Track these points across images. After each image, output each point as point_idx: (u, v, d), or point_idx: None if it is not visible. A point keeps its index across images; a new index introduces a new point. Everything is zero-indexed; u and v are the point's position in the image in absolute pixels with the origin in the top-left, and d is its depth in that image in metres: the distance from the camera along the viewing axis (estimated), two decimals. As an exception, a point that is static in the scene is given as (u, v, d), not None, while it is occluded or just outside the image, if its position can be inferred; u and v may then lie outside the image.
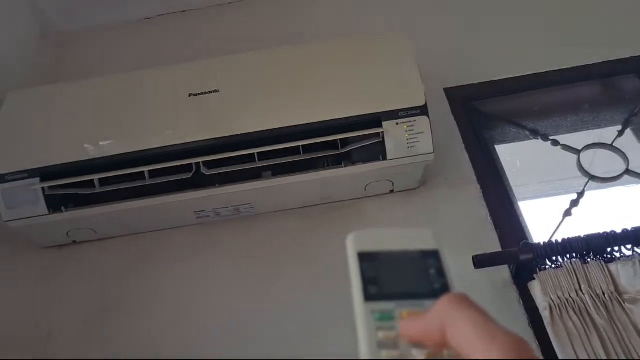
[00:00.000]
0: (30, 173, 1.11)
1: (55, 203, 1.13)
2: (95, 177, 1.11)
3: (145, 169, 1.11)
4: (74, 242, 1.24)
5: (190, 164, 1.12)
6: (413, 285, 0.38)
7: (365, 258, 0.40)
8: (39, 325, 1.14)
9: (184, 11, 1.75)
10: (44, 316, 1.15)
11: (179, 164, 1.11)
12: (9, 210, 1.12)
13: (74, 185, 1.12)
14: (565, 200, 1.26)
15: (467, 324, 0.33)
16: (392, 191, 1.24)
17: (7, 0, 1.51)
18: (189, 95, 1.15)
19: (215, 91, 1.15)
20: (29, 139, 1.16)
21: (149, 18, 1.75)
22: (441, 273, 0.39)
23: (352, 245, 0.41)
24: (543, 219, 1.32)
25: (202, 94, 1.15)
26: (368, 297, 0.38)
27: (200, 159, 1.11)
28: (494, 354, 0.31)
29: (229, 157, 1.11)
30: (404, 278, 0.39)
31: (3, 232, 1.26)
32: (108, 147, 1.12)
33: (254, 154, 1.11)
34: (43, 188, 1.11)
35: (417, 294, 0.37)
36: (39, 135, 1.16)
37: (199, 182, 1.14)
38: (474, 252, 1.03)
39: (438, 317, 0.34)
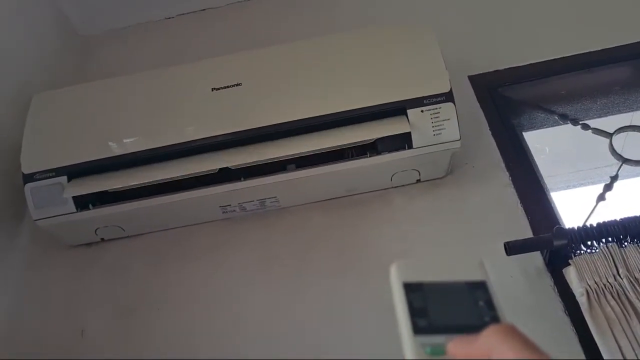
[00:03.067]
0: (58, 172, 1.12)
1: (82, 201, 1.14)
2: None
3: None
4: (102, 239, 1.25)
5: (215, 158, 1.11)
6: (463, 318, 0.38)
7: (411, 289, 0.40)
8: (73, 323, 1.15)
9: (203, 9, 1.75)
10: (76, 314, 1.16)
11: (203, 158, 1.11)
12: (38, 210, 1.13)
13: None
14: (598, 188, 1.23)
15: (511, 356, 0.33)
16: (418, 180, 1.22)
17: (31, 7, 1.53)
18: (212, 89, 1.14)
19: (237, 84, 1.14)
20: (55, 139, 1.17)
21: (170, 18, 1.76)
22: (490, 305, 0.39)
23: (397, 275, 0.41)
24: (576, 208, 1.29)
25: (225, 87, 1.14)
26: (417, 330, 0.38)
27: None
28: None
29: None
30: (453, 310, 0.39)
31: (33, 232, 1.29)
32: (133, 144, 1.13)
33: (278, 146, 1.10)
34: (71, 186, 1.12)
35: (468, 328, 0.36)
36: (65, 135, 1.17)
37: (224, 176, 1.13)
38: (505, 240, 1.00)
39: (484, 345, 0.35)
